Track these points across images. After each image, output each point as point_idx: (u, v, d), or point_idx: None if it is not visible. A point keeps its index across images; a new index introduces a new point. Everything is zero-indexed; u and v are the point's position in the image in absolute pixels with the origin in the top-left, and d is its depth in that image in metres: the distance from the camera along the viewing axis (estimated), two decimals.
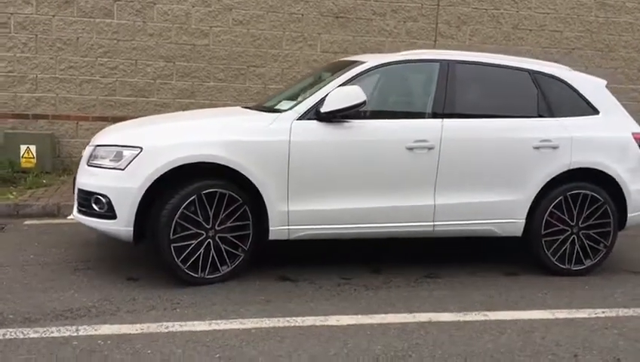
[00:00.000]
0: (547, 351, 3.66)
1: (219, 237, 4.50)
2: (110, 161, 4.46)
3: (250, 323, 3.83)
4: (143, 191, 4.32)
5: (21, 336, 3.50)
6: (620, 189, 5.16)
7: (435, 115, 4.87)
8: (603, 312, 4.33)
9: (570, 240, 5.11)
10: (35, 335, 3.52)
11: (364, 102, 4.56)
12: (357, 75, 4.80)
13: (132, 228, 4.36)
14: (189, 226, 4.39)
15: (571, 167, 5.02)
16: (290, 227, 4.61)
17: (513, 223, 5.00)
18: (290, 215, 4.58)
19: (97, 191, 4.44)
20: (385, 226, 4.78)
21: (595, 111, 5.24)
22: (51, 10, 8.13)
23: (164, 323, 3.77)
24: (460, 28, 9.30)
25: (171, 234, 4.34)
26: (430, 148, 4.75)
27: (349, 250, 5.52)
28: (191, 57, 8.56)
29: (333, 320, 3.95)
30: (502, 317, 4.15)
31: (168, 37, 8.46)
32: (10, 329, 3.59)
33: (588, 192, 5.07)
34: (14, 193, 7.09)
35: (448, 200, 4.84)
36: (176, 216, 4.33)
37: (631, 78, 9.90)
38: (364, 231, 4.76)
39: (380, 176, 4.72)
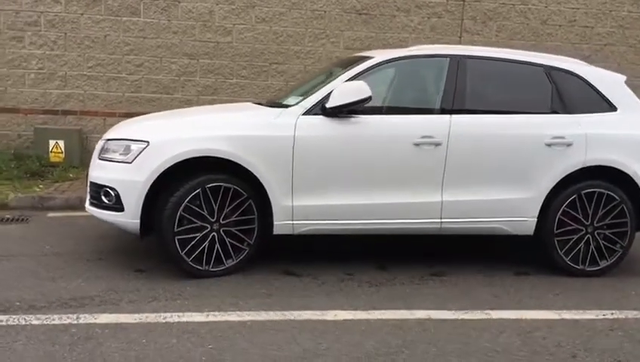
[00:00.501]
0: (545, 351, 3.58)
1: (224, 230, 4.55)
2: (119, 154, 4.56)
3: (247, 316, 3.87)
4: (149, 185, 4.40)
5: (23, 323, 3.62)
6: (638, 188, 5.00)
7: (443, 111, 4.81)
8: (612, 314, 4.21)
9: (584, 240, 4.98)
10: (37, 322, 3.63)
11: (369, 98, 4.53)
12: (364, 70, 4.78)
13: (139, 221, 4.44)
14: (193, 219, 4.46)
15: (586, 165, 4.89)
16: (294, 222, 4.62)
17: (524, 221, 4.90)
18: (295, 210, 4.59)
19: (106, 183, 4.54)
20: (390, 223, 4.74)
21: (612, 107, 5.09)
22: (80, 8, 8.34)
23: (163, 314, 3.84)
24: (486, 24, 9.15)
25: (175, 226, 4.40)
26: (437, 145, 4.70)
27: (357, 246, 5.50)
28: (214, 54, 8.67)
29: (331, 315, 3.95)
30: (504, 316, 4.08)
31: (192, 34, 8.58)
32: (14, 316, 3.70)
33: (603, 191, 4.93)
34: (41, 186, 7.30)
35: (456, 197, 4.78)
36: (181, 209, 4.40)
37: None
38: (368, 227, 4.74)
39: (385, 172, 4.69)
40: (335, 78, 4.81)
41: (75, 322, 3.66)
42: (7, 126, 8.43)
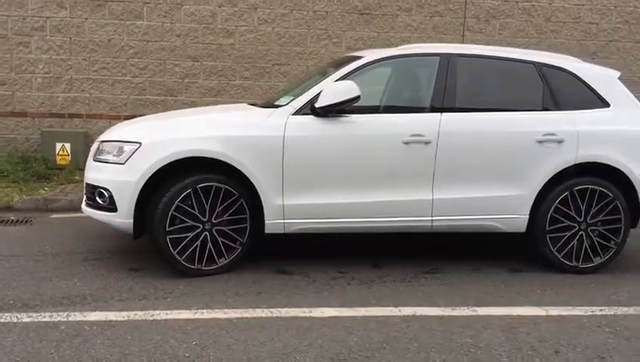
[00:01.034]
0: (528, 346, 3.59)
1: (216, 230, 4.62)
2: (113, 156, 4.64)
3: (233, 313, 3.92)
4: (142, 185, 4.48)
5: (15, 320, 3.71)
6: (632, 185, 4.98)
7: (433, 109, 4.83)
8: (600, 310, 4.21)
9: (577, 237, 4.97)
10: (28, 320, 3.73)
11: (357, 97, 4.57)
12: (353, 70, 4.82)
13: (132, 221, 4.52)
14: (185, 219, 4.53)
15: (578, 162, 4.88)
16: (285, 221, 4.67)
17: (516, 219, 4.90)
18: (286, 209, 4.65)
19: (100, 184, 4.63)
20: (381, 221, 4.78)
21: (605, 104, 5.07)
22: (84, 13, 8.48)
23: (151, 312, 3.91)
24: (489, 22, 9.13)
25: (167, 226, 4.48)
26: (427, 143, 4.72)
27: (354, 245, 5.54)
28: (217, 56, 8.75)
29: (317, 312, 3.99)
30: (491, 313, 4.09)
31: (195, 37, 8.68)
32: (7, 314, 3.80)
33: (596, 187, 4.92)
34: (46, 188, 7.44)
35: (447, 194, 4.80)
36: (172, 208, 4.48)
37: None
38: (358, 225, 4.77)
39: (375, 170, 4.72)
40: (325, 78, 4.86)
41: (65, 319, 3.74)
42: (15, 130, 8.59)
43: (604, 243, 5.01)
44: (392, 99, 5.19)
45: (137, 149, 4.51)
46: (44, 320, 3.73)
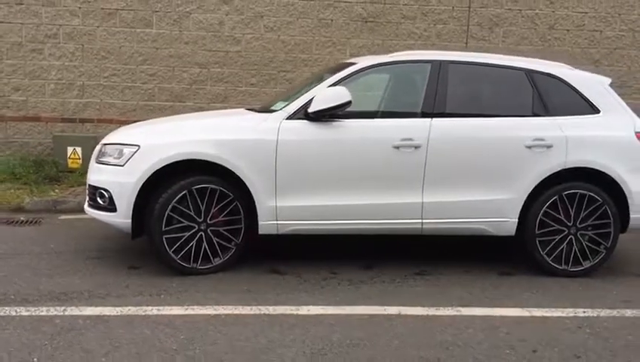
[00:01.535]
0: (506, 345, 3.69)
1: (211, 230, 4.77)
2: (114, 158, 4.82)
3: (223, 310, 4.07)
4: (140, 186, 4.65)
5: (13, 314, 3.89)
6: (622, 190, 5.04)
7: (424, 115, 4.95)
8: (584, 312, 4.28)
9: (567, 241, 5.04)
10: (26, 314, 3.91)
11: (349, 102, 4.71)
12: (347, 76, 4.96)
13: (130, 221, 4.70)
14: (180, 219, 4.69)
15: (567, 167, 4.96)
16: (278, 222, 4.81)
17: (505, 222, 4.99)
18: (279, 210, 4.79)
19: (101, 185, 4.82)
20: (372, 223, 4.89)
21: (595, 110, 5.15)
22: (96, 21, 8.73)
23: (144, 307, 4.07)
24: (492, 30, 9.22)
25: (163, 226, 4.64)
26: (417, 147, 4.84)
27: (349, 247, 5.65)
28: (224, 63, 8.95)
29: (304, 310, 4.12)
30: (474, 313, 4.19)
31: (203, 44, 8.89)
32: (7, 308, 3.98)
33: (585, 192, 4.99)
34: (57, 190, 7.67)
35: (437, 198, 4.90)
36: (168, 209, 4.64)
37: None
38: (349, 227, 4.90)
39: (366, 174, 4.84)
40: (319, 84, 5.00)
41: (61, 314, 3.92)
42: (28, 134, 8.86)
43: (593, 247, 5.07)
44: (384, 104, 5.32)
45: (136, 152, 4.69)
46: (41, 314, 3.91)
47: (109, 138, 5.13)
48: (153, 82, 8.93)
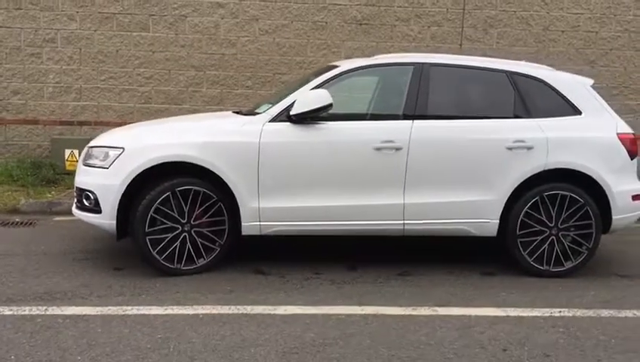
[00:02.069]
0: (478, 344, 3.73)
1: (195, 231, 4.85)
2: (100, 160, 4.91)
3: (201, 310, 4.14)
4: (124, 188, 4.73)
5: None
6: (603, 191, 5.07)
7: (406, 117, 5.00)
8: (560, 312, 4.31)
9: (549, 242, 5.07)
10: (9, 313, 3.99)
11: (330, 105, 4.77)
12: (329, 79, 5.03)
13: (115, 222, 4.78)
14: (164, 221, 4.77)
15: (547, 168, 5.00)
16: (261, 223, 4.88)
17: (486, 223, 5.03)
18: (261, 211, 4.85)
19: (87, 187, 4.91)
20: (353, 224, 4.95)
21: (577, 111, 5.18)
22: (93, 25, 8.85)
23: (124, 307, 4.15)
24: (487, 31, 9.25)
25: (146, 227, 4.72)
26: (398, 149, 4.89)
27: (336, 248, 5.71)
28: (220, 66, 9.04)
29: (281, 310, 4.18)
30: (451, 313, 4.23)
31: (199, 47, 8.99)
32: None
33: (566, 193, 5.02)
34: (52, 192, 7.79)
35: (418, 199, 4.95)
36: (151, 210, 4.72)
37: None
38: (332, 228, 4.96)
39: (348, 175, 4.90)
40: (302, 87, 5.07)
41: (43, 313, 4.00)
42: (27, 136, 8.99)
43: (575, 248, 5.10)
44: (366, 107, 5.38)
45: (121, 154, 4.78)
46: (23, 313, 4.00)
47: (96, 141, 5.22)
48: (150, 85, 9.03)
